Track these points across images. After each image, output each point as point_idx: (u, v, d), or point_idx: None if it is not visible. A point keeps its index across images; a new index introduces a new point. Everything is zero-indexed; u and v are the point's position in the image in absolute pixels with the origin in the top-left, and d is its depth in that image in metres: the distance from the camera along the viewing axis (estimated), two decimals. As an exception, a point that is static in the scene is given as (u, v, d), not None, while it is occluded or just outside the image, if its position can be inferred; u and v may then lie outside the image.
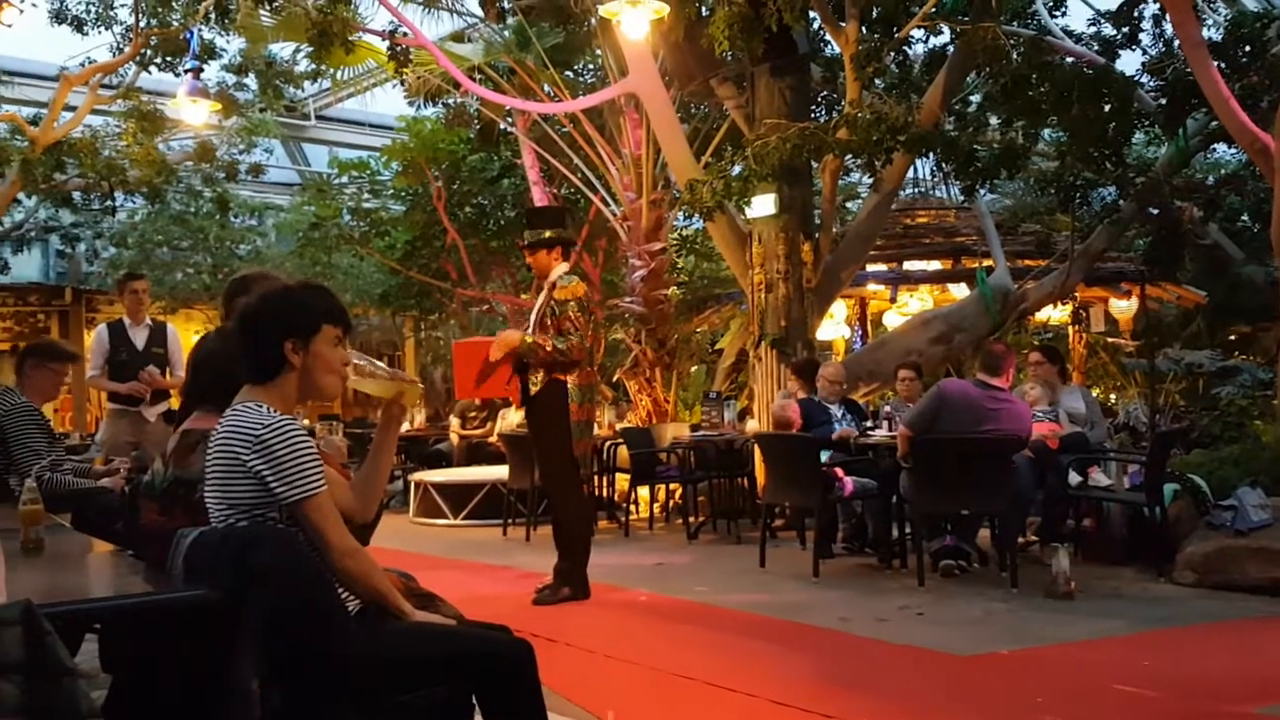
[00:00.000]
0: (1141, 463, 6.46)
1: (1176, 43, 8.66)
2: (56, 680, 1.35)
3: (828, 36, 8.88)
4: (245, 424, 2.28)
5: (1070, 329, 12.28)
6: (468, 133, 12.31)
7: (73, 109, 11.62)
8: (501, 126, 11.38)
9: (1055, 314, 11.81)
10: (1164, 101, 8.98)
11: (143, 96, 11.97)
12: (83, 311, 16.99)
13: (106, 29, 11.29)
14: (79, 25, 11.13)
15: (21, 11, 8.48)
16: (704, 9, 7.97)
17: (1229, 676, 4.15)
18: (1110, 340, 13.01)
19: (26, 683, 1.32)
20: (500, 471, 8.92)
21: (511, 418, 10.60)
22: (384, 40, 9.11)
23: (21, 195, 12.63)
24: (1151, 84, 9.43)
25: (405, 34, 9.06)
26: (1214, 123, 8.43)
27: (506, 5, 10.05)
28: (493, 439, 10.60)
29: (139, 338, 6.48)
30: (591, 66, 11.78)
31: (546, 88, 10.28)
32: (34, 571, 2.54)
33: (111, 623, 2.43)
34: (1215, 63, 7.14)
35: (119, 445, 6.02)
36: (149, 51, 11.25)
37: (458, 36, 11.34)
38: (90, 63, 11.56)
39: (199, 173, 14.54)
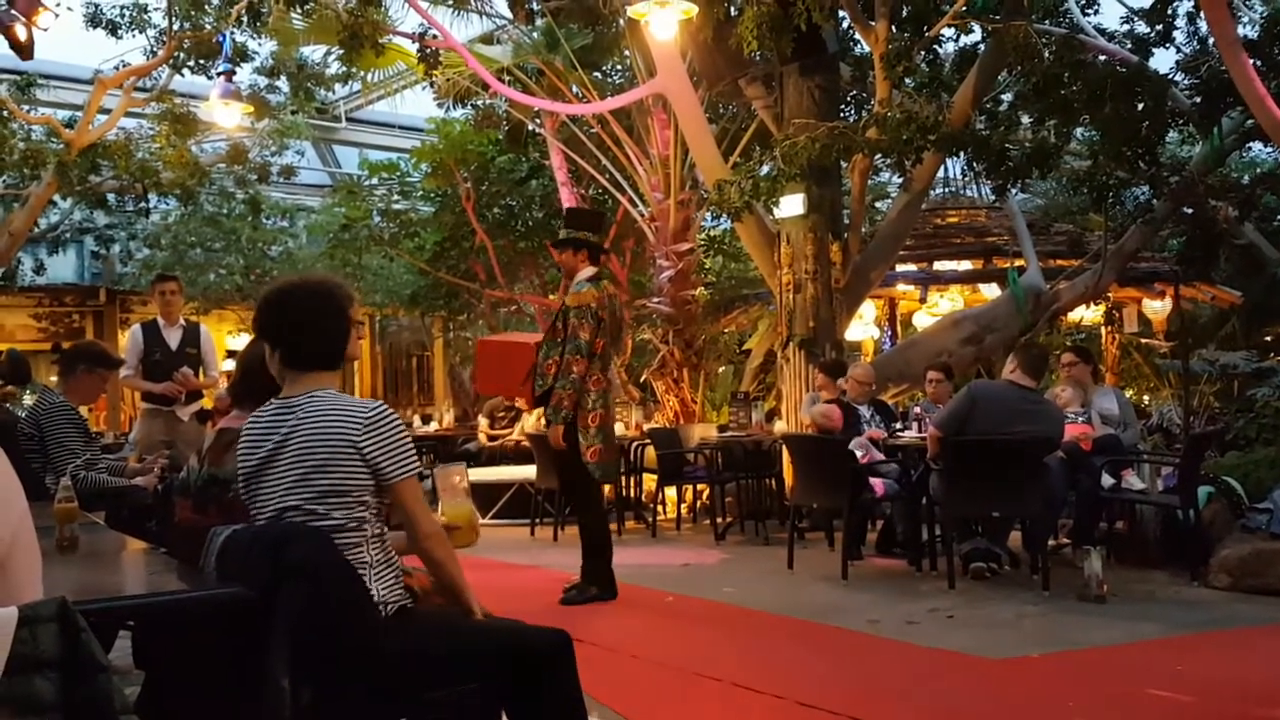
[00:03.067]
0: (1175, 465, 6.39)
1: (1211, 40, 8.55)
2: (91, 677, 1.36)
3: (857, 35, 8.85)
4: (349, 407, 2.37)
5: (1103, 330, 12.15)
6: (496, 134, 12.35)
7: (107, 112, 11.75)
8: (530, 128, 11.41)
9: (1088, 314, 11.70)
10: (1198, 100, 8.87)
11: (176, 99, 12.08)
12: (117, 312, 17.19)
13: (140, 32, 11.40)
14: (113, 29, 11.24)
15: (57, 15, 8.55)
16: (732, 9, 7.97)
17: (1264, 681, 4.09)
18: (1144, 341, 12.87)
19: (62, 679, 1.34)
20: (528, 471, 8.94)
21: (528, 419, 10.65)
22: (414, 42, 9.17)
23: (57, 197, 12.79)
24: (1186, 82, 9.31)
25: (435, 36, 9.11)
26: (1249, 121, 8.32)
27: (535, 7, 10.07)
28: (515, 437, 10.63)
29: (173, 338, 6.55)
30: (620, 67, 11.79)
31: (575, 89, 10.30)
32: (69, 569, 2.57)
33: (145, 620, 2.45)
34: (1251, 60, 7.05)
35: (153, 444, 6.09)
36: (182, 54, 11.35)
37: (487, 38, 11.38)
38: (124, 66, 11.68)
39: (231, 175, 14.66)
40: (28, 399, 6.75)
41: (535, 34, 10.31)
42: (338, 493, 2.31)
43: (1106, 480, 6.25)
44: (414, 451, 2.42)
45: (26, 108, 11.99)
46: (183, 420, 6.44)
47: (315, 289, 2.53)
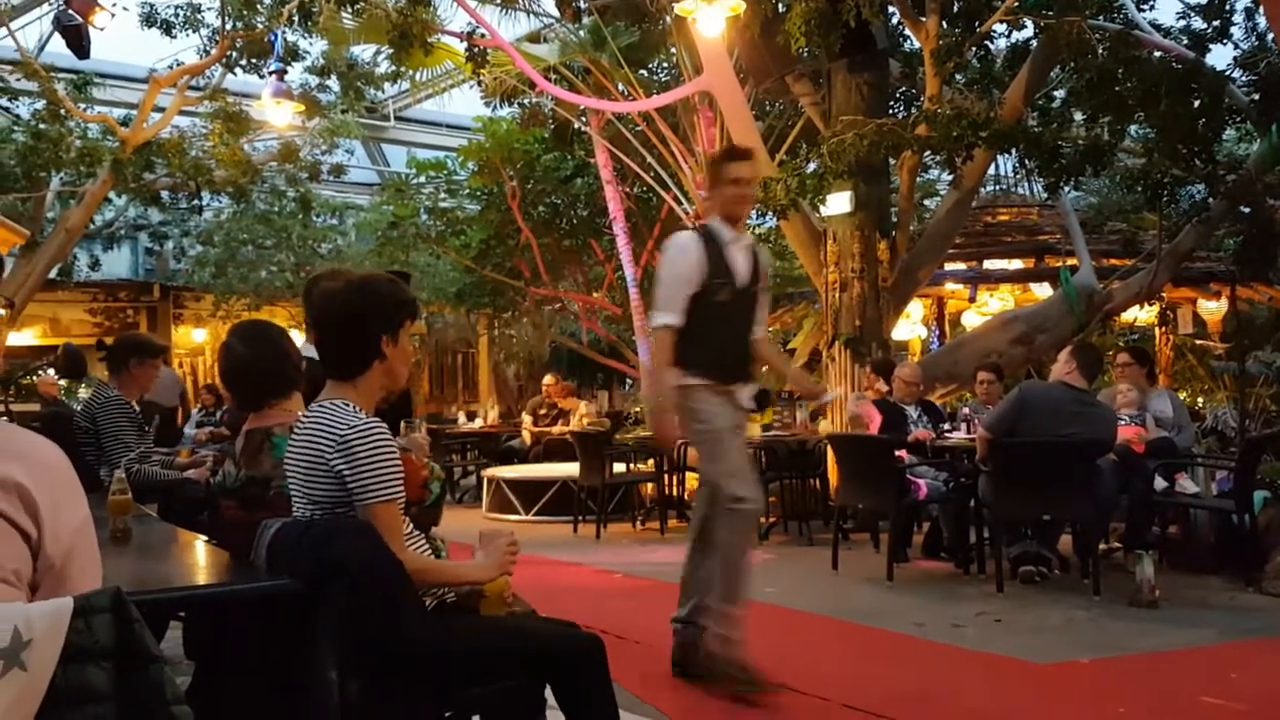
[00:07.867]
0: (1230, 469, 6.27)
1: (1270, 36, 8.38)
2: (144, 667, 1.38)
3: (907, 31, 8.75)
4: (333, 423, 2.30)
5: (1157, 330, 11.96)
6: (542, 132, 12.40)
7: (161, 110, 11.96)
8: (576, 126, 11.43)
9: (1142, 315, 11.51)
10: (1256, 97, 8.68)
11: (229, 98, 12.27)
12: (170, 307, 17.48)
13: (194, 32, 11.60)
14: (168, 28, 11.44)
15: (113, 15, 8.74)
16: (780, 5, 7.92)
17: (1323, 692, 4.00)
18: (1198, 342, 12.64)
19: (115, 669, 1.35)
20: (571, 469, 8.97)
21: (575, 417, 10.76)
22: (462, 41, 9.23)
23: (112, 194, 13.04)
24: (1243, 79, 9.13)
25: (483, 35, 9.15)
26: (1310, 118, 8.14)
27: (582, 5, 10.08)
28: (559, 429, 10.68)
29: None
30: (666, 65, 11.78)
31: (621, 87, 10.31)
32: (122, 560, 2.60)
33: (195, 611, 2.48)
34: (1312, 56, 6.89)
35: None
36: (235, 54, 11.53)
37: (534, 37, 11.42)
38: (178, 65, 11.88)
39: (283, 173, 14.87)
40: (83, 392, 6.88)
41: (582, 32, 10.32)
42: (324, 504, 2.31)
43: (1160, 484, 6.15)
44: (392, 476, 2.28)
45: (83, 106, 12.23)
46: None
47: (342, 300, 2.41)
